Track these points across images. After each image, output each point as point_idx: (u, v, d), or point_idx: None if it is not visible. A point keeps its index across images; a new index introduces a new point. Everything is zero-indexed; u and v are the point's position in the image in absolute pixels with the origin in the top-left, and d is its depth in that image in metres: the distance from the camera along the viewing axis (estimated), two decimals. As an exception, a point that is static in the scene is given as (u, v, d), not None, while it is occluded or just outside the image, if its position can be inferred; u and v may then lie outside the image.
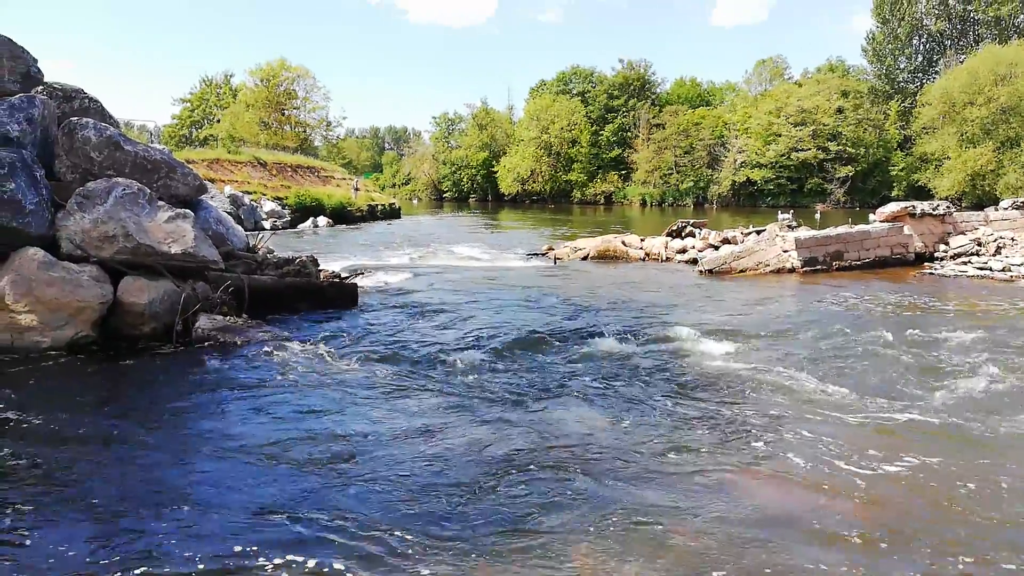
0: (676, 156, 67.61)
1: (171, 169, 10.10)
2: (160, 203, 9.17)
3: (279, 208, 31.52)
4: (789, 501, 4.74)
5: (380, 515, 4.37)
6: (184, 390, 6.85)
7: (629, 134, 73.16)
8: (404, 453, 5.35)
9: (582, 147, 73.09)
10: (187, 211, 9.34)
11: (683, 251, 19.42)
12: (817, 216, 25.82)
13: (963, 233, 18.95)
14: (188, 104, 74.95)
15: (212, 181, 28.32)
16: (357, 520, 4.29)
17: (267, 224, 28.58)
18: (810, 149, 59.23)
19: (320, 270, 12.00)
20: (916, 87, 60.55)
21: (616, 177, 72.99)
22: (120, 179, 9.00)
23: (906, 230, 18.18)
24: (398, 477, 4.93)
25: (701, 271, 16.54)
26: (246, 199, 29.45)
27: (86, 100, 10.18)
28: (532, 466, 5.16)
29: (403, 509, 4.46)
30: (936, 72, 58.67)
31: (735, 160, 63.96)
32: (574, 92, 78.12)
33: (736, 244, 18.22)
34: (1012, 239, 18.45)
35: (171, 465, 5.10)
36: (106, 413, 6.17)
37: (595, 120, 74.93)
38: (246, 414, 6.15)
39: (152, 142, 26.80)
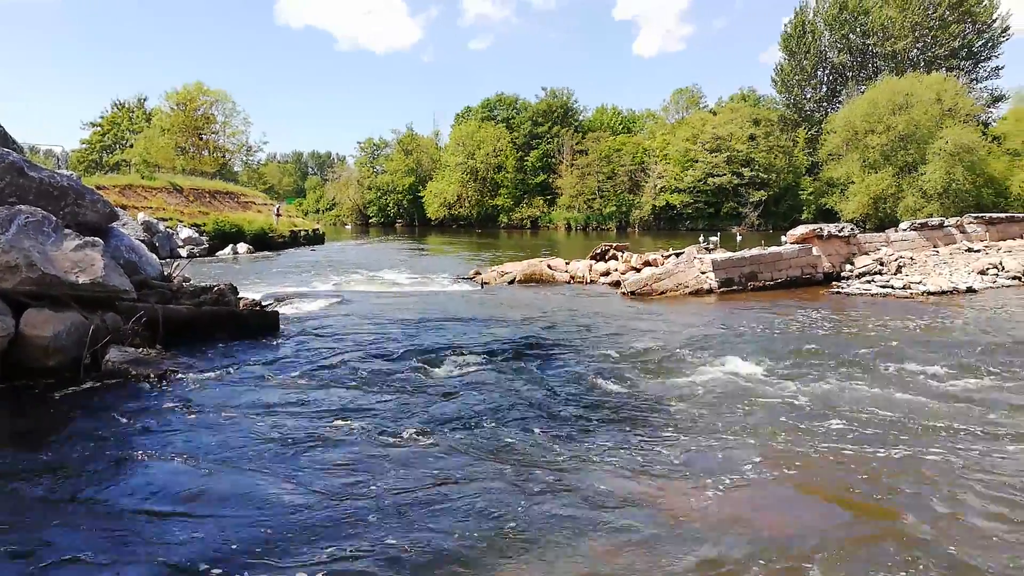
0: (599, 181, 69.22)
1: (79, 196, 9.73)
2: (67, 231, 8.80)
3: (197, 235, 30.64)
4: (704, 514, 4.90)
5: (306, 545, 4.29)
6: (89, 428, 6.49)
7: (553, 160, 74.52)
8: (326, 485, 5.26)
9: (508, 172, 73.97)
10: (96, 239, 8.99)
11: (606, 273, 19.84)
12: (739, 238, 26.95)
13: (867, 254, 20.05)
14: (99, 128, 72.07)
15: (125, 208, 27.34)
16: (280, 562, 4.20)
17: (184, 252, 27.71)
18: (725, 174, 61.84)
19: (240, 298, 11.69)
20: (821, 116, 64.18)
21: (542, 202, 74.08)
22: (23, 207, 8.61)
23: (815, 251, 19.09)
24: (321, 509, 4.85)
25: (624, 293, 16.91)
26: (161, 226, 28.50)
27: (-14, 124, 9.73)
28: (456, 491, 5.17)
29: (332, 539, 4.39)
30: (839, 102, 62.29)
31: (655, 185, 65.94)
32: (499, 119, 79.11)
33: (657, 266, 18.72)
34: (911, 258, 19.65)
35: (72, 511, 4.84)
36: (1, 454, 5.83)
37: (520, 146, 76.05)
38: (155, 452, 5.89)
39: (59, 168, 25.66)
